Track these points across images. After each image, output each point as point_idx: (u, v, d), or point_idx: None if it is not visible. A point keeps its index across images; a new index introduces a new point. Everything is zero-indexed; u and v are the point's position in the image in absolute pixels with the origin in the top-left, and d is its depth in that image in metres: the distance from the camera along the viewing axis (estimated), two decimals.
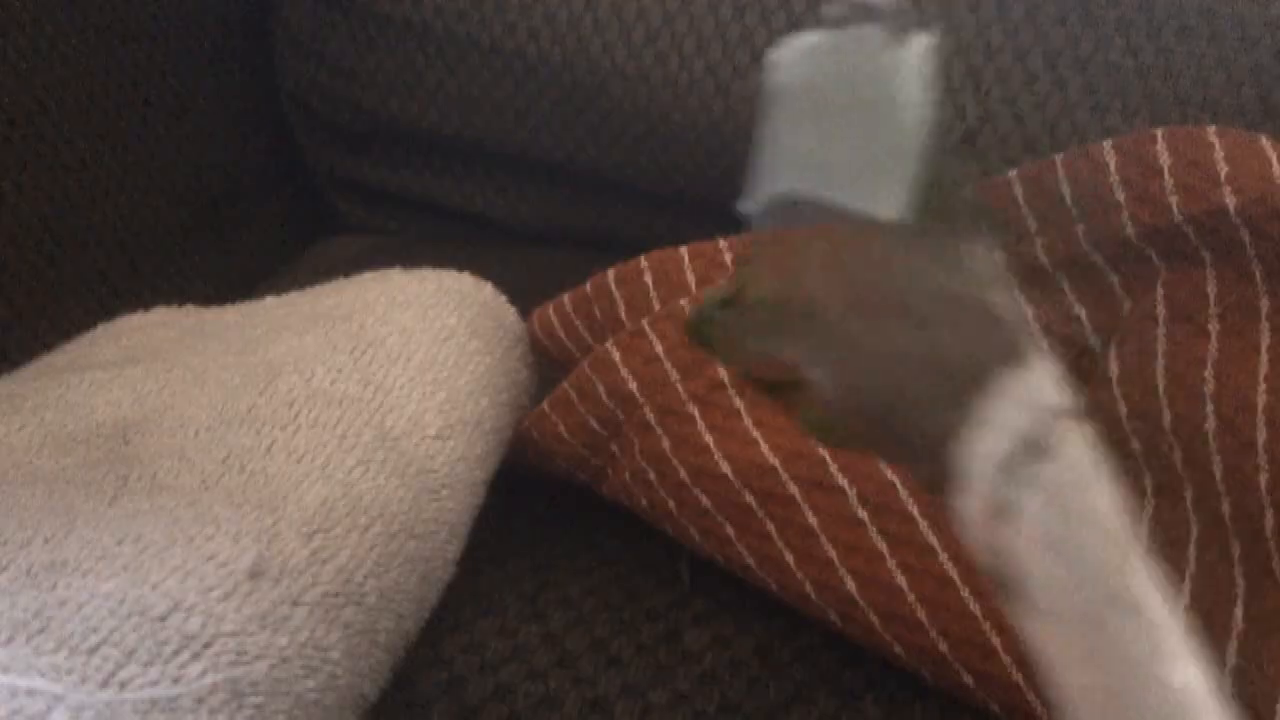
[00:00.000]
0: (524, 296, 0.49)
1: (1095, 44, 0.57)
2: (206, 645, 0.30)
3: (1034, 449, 0.17)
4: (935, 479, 0.18)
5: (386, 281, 0.47)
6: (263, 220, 0.74)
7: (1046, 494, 0.17)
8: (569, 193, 0.71)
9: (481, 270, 0.50)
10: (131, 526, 0.33)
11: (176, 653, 0.29)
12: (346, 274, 0.52)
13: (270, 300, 0.50)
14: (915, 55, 0.17)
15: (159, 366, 0.43)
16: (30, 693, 0.27)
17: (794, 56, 0.18)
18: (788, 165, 0.18)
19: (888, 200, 0.17)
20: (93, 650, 0.29)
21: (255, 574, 0.32)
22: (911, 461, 0.19)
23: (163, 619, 0.30)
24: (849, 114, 0.17)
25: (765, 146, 0.18)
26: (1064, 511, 0.17)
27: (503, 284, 0.49)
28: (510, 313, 0.48)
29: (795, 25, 0.61)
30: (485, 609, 0.39)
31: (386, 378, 0.40)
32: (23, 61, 0.57)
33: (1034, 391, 0.17)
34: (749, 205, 0.18)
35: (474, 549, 0.39)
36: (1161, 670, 0.17)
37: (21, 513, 0.34)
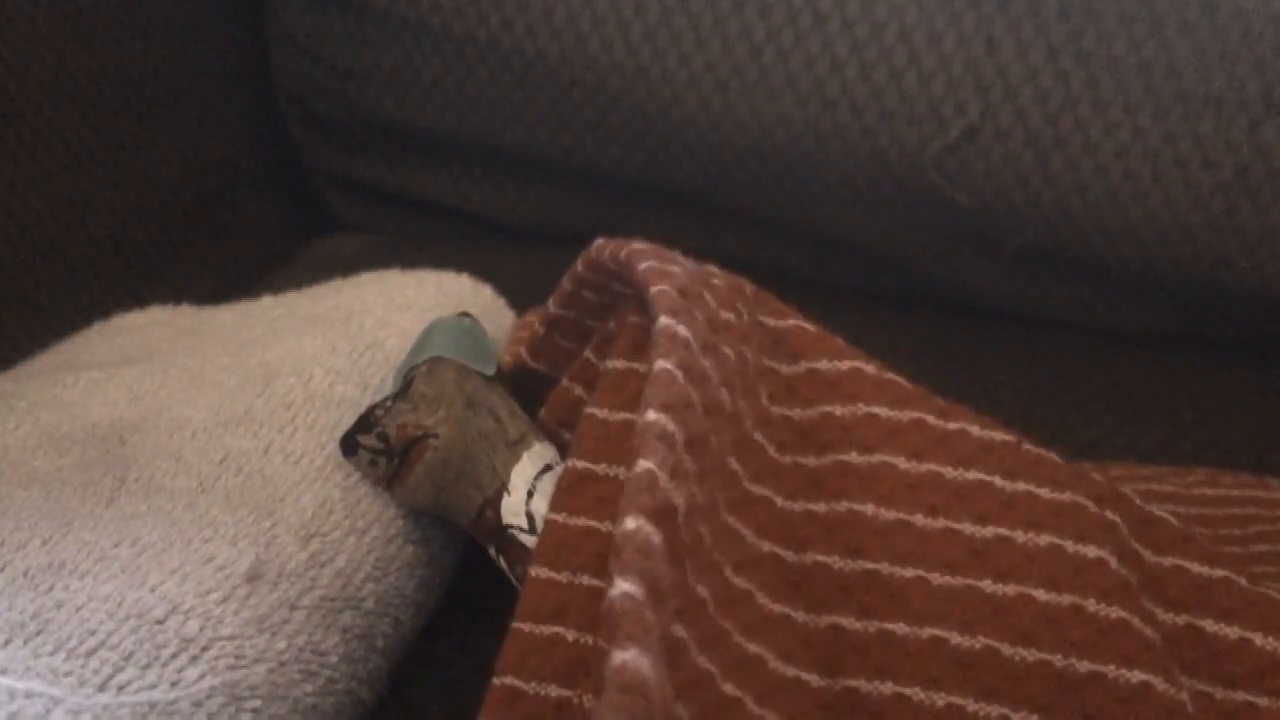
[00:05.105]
0: (521, 296, 0.49)
1: (1098, 38, 0.57)
2: (204, 649, 0.30)
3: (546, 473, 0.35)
4: (485, 499, 0.35)
5: (385, 283, 0.47)
6: (258, 218, 0.74)
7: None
8: (566, 190, 0.71)
9: (478, 268, 0.49)
10: (129, 528, 0.33)
11: (174, 656, 0.29)
12: (343, 272, 0.51)
13: (267, 300, 0.50)
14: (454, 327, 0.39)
15: (155, 366, 0.42)
16: (28, 695, 0.27)
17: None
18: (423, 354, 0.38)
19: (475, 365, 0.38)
20: (90, 653, 0.29)
21: (253, 577, 0.32)
22: (471, 491, 0.36)
23: (160, 622, 0.30)
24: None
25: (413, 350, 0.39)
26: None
27: (499, 282, 0.49)
28: (509, 315, 0.48)
29: (793, 19, 0.61)
30: (481, 611, 0.39)
31: (385, 381, 0.40)
32: (17, 59, 0.57)
33: (538, 450, 0.36)
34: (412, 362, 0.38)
35: (471, 551, 0.39)
36: None
37: (18, 514, 0.34)
